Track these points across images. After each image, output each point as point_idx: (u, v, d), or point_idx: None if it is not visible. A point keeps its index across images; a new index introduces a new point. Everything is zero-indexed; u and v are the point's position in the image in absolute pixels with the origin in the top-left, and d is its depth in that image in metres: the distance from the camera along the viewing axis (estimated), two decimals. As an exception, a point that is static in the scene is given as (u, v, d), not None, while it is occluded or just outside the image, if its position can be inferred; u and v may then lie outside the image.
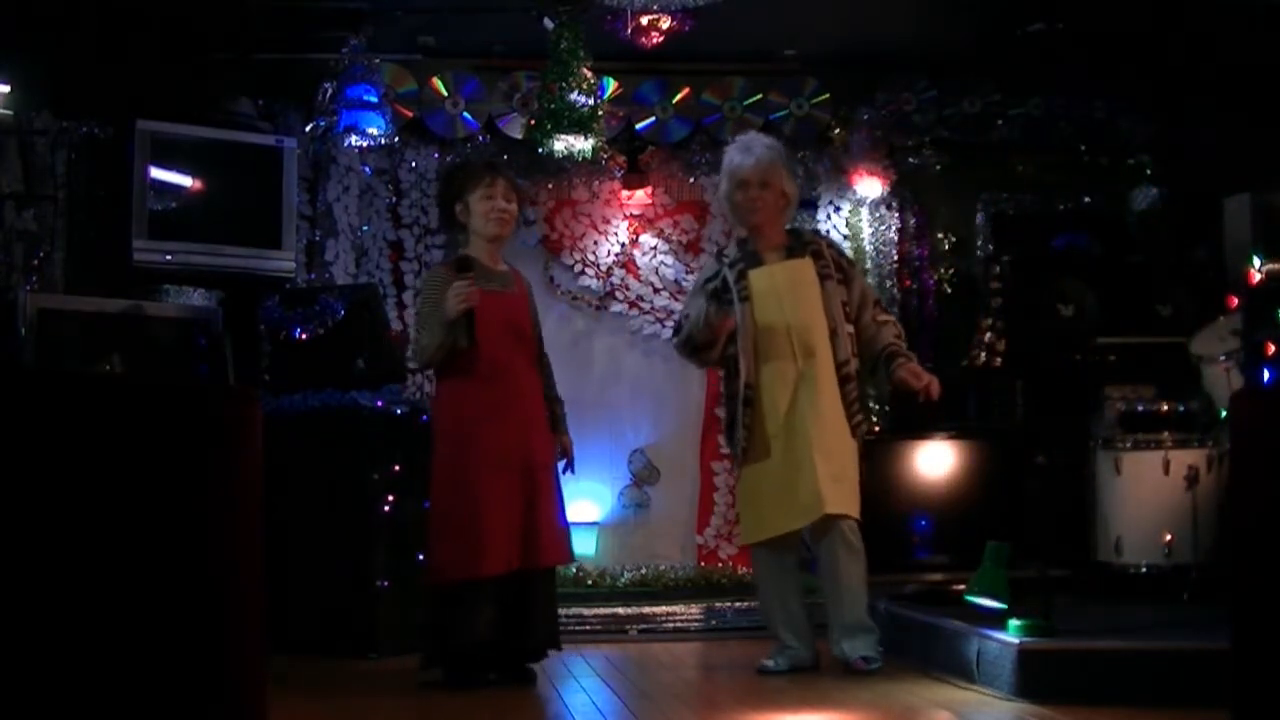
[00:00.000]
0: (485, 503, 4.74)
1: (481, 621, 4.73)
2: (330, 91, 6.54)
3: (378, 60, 6.69)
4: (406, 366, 6.85)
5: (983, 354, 6.81)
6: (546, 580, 4.95)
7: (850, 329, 5.01)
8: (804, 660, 4.99)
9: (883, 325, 5.09)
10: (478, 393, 4.82)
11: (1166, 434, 5.68)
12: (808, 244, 5.10)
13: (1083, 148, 7.49)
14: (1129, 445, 5.72)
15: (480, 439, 4.79)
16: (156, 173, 5.93)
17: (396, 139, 6.85)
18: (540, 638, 4.91)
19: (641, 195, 7.28)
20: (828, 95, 7.31)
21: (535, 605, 4.88)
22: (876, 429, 5.15)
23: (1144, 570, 5.61)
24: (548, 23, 6.31)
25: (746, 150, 5.07)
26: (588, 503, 7.14)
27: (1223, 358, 5.69)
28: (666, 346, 7.33)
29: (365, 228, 6.99)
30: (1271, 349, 5.43)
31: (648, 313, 7.27)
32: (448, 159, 7.07)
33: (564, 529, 4.98)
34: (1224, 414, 5.54)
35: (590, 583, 6.73)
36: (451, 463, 4.82)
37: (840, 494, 4.87)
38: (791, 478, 4.86)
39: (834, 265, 5.05)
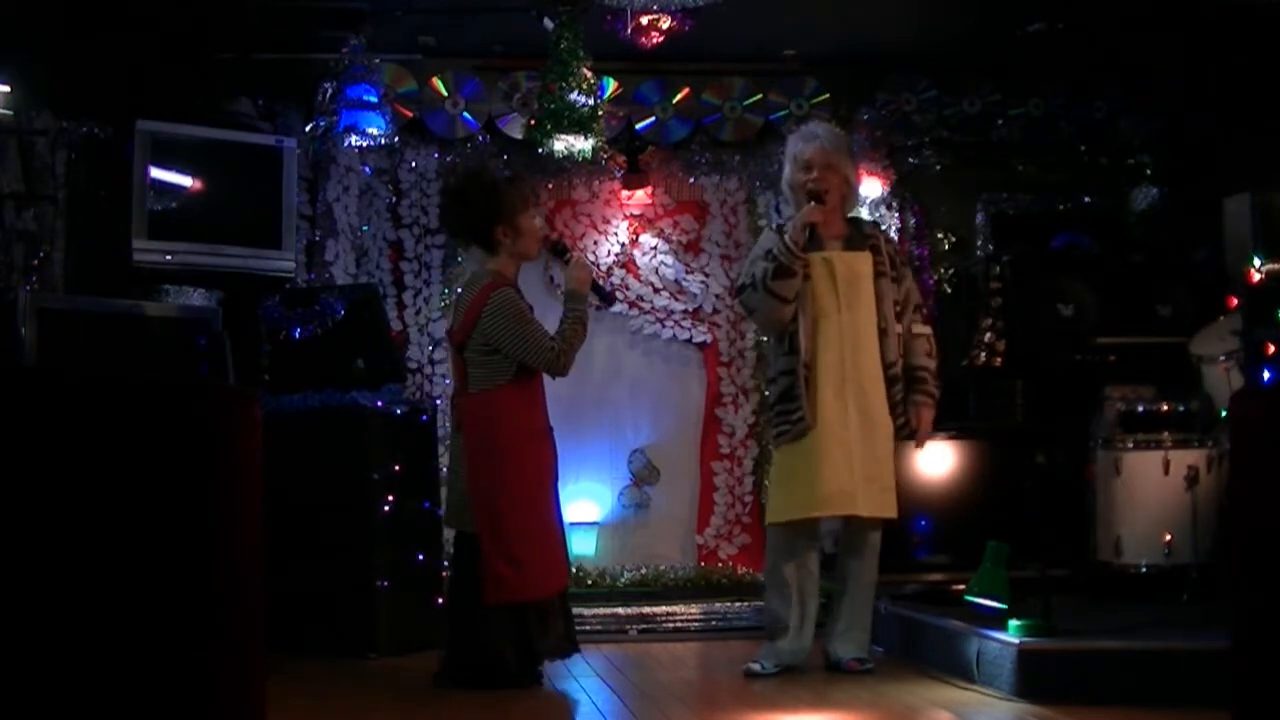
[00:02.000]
0: (553, 516, 4.87)
1: (557, 635, 4.85)
2: (330, 91, 6.53)
3: (378, 60, 6.68)
4: (406, 366, 6.86)
5: (983, 354, 6.80)
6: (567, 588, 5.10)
7: (899, 329, 5.03)
8: (795, 659, 4.99)
9: (917, 339, 5.10)
10: (536, 408, 4.90)
11: (1166, 434, 5.68)
12: (867, 236, 5.11)
13: (1083, 148, 7.48)
14: (1129, 445, 5.72)
15: (543, 453, 4.88)
16: (156, 173, 5.92)
17: (396, 139, 6.85)
18: (575, 641, 5.03)
19: (641, 195, 7.27)
20: (828, 95, 7.31)
21: (569, 610, 5.02)
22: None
23: (1144, 570, 5.61)
24: (548, 23, 6.31)
25: (810, 135, 5.10)
26: (588, 503, 7.14)
27: (1223, 358, 5.69)
28: (667, 346, 7.34)
29: (365, 228, 6.99)
30: (1271, 349, 5.42)
31: (648, 313, 7.26)
32: (448, 159, 7.07)
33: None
34: (1224, 414, 5.54)
35: (590, 583, 6.73)
36: (527, 477, 4.83)
37: (873, 496, 4.91)
38: (827, 469, 4.87)
39: (890, 262, 5.06)
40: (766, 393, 5.27)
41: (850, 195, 5.17)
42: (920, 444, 5.17)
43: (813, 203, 4.93)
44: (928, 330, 5.18)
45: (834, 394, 4.91)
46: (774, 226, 5.25)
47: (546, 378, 4.94)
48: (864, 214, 7.26)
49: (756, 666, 4.96)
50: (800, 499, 4.92)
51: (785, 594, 4.98)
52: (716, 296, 7.25)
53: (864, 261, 5.02)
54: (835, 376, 4.92)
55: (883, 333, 4.98)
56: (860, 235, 5.11)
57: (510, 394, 4.83)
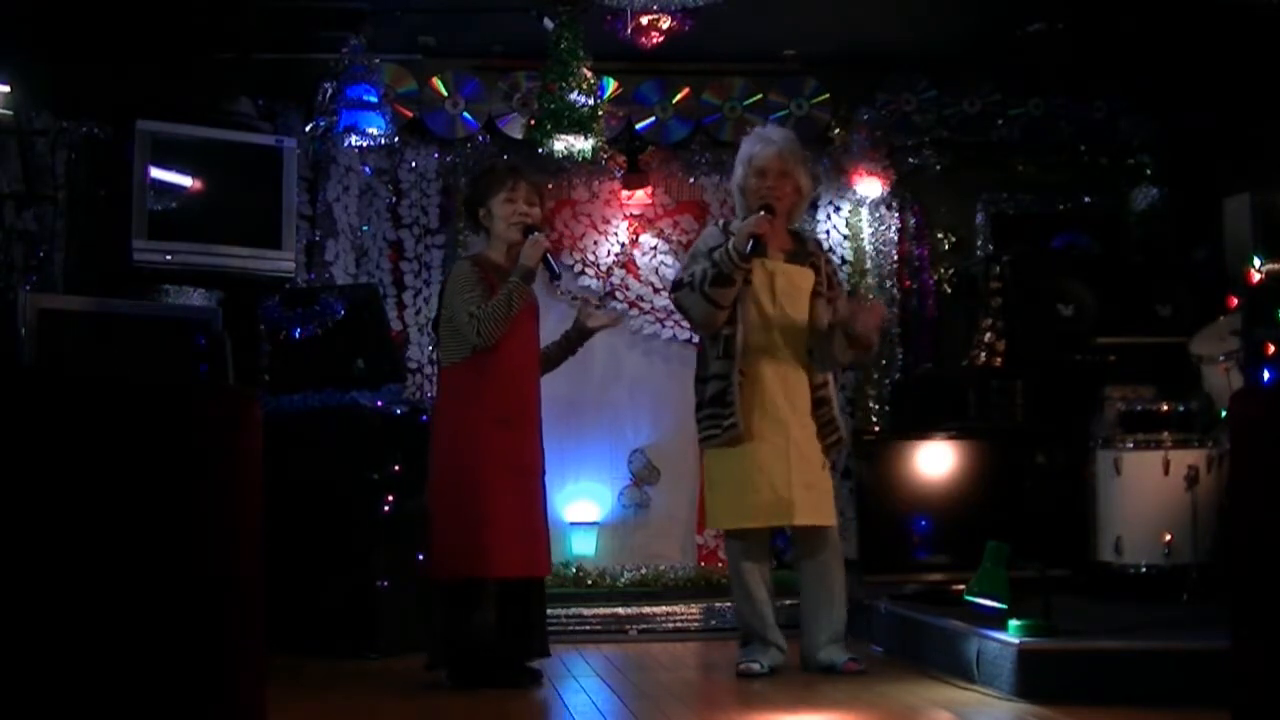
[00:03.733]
0: (497, 504, 4.76)
1: (486, 622, 4.74)
2: (330, 91, 6.54)
3: (378, 60, 6.69)
4: (406, 366, 6.86)
5: (983, 354, 6.81)
6: (541, 588, 4.99)
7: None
8: (782, 660, 5.01)
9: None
10: (497, 395, 4.82)
11: (1166, 434, 5.68)
12: (810, 254, 5.09)
13: (1083, 148, 7.49)
14: (1129, 445, 5.72)
15: (495, 441, 4.80)
16: (156, 173, 5.92)
17: (396, 139, 6.85)
18: (537, 645, 4.94)
19: (641, 195, 7.28)
20: (828, 95, 7.31)
21: (535, 612, 4.92)
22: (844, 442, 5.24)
23: (1144, 570, 5.61)
24: (548, 23, 6.31)
25: (767, 140, 5.05)
26: (588, 503, 7.14)
27: (1223, 358, 5.69)
28: (667, 346, 7.34)
29: (365, 228, 6.99)
30: (1271, 349, 5.43)
31: (648, 313, 7.26)
32: (448, 159, 7.09)
33: (548, 541, 5.01)
34: (1224, 414, 5.54)
35: (590, 583, 6.73)
36: (468, 460, 4.79)
37: (811, 502, 4.89)
38: (763, 478, 4.87)
39: (828, 283, 5.07)
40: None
41: (800, 204, 5.15)
42: (872, 319, 4.96)
43: (762, 212, 4.89)
44: None
45: (769, 402, 4.90)
46: (719, 223, 5.19)
47: (517, 363, 4.89)
48: (864, 214, 7.28)
49: (756, 666, 4.96)
50: (740, 506, 4.92)
51: (753, 597, 5.00)
52: (716, 296, 7.25)
53: (805, 277, 5.01)
54: (772, 385, 4.91)
55: (810, 352, 4.98)
56: (804, 251, 5.09)
57: (464, 373, 4.82)
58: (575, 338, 5.18)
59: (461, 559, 4.76)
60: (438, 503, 4.90)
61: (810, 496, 4.88)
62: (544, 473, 4.98)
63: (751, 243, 4.82)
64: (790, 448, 4.87)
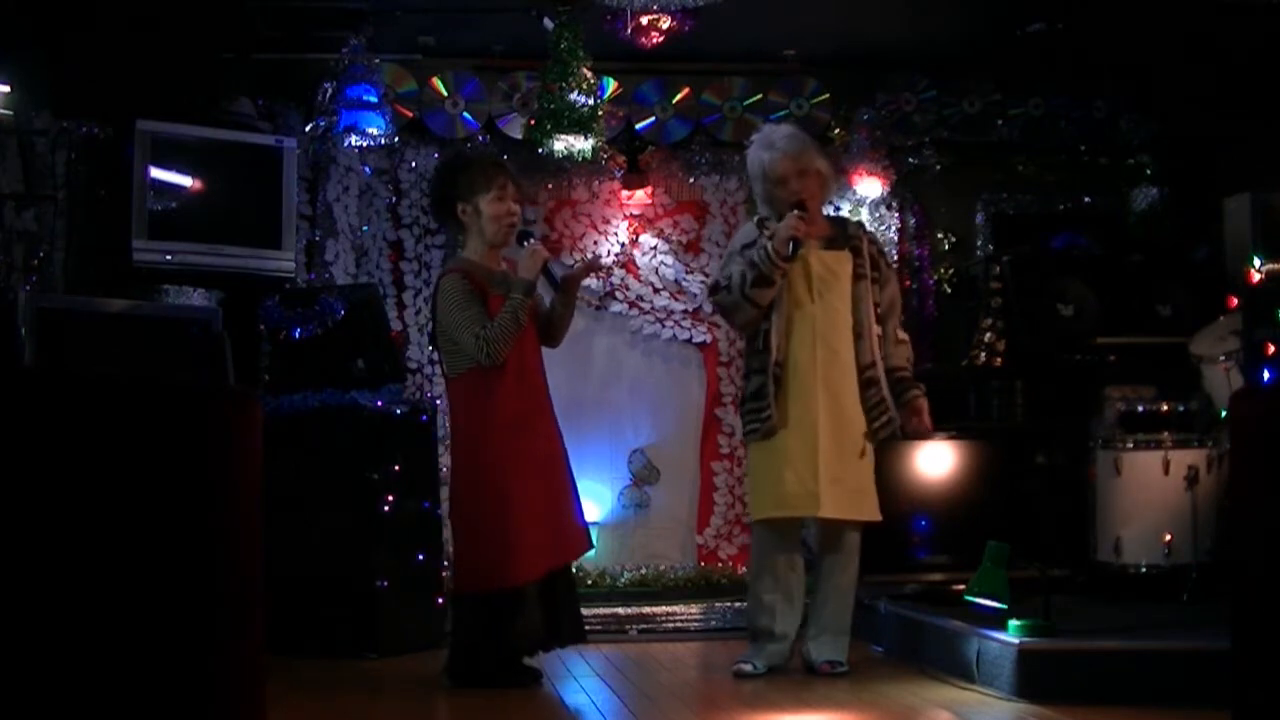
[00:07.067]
0: (522, 508, 4.72)
1: (531, 626, 4.74)
2: (330, 91, 6.54)
3: (378, 60, 6.69)
4: (407, 366, 6.86)
5: (983, 354, 6.81)
6: (567, 574, 4.96)
7: (878, 330, 4.98)
8: (777, 659, 4.98)
9: (898, 345, 5.07)
10: (508, 397, 4.78)
11: (1166, 434, 5.68)
12: (850, 237, 5.05)
13: (1083, 148, 7.49)
14: (1129, 445, 5.72)
15: (513, 444, 4.76)
16: (156, 173, 5.92)
17: (396, 139, 6.85)
18: (569, 632, 4.91)
19: (641, 195, 7.28)
20: (828, 95, 7.31)
21: (565, 599, 4.89)
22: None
23: (1144, 570, 5.61)
24: (548, 23, 6.32)
25: (770, 145, 4.99)
26: (588, 503, 7.11)
27: (1223, 358, 5.69)
28: (667, 346, 7.34)
29: (365, 228, 6.99)
30: (1271, 349, 5.43)
31: (648, 313, 7.26)
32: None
33: (583, 520, 4.96)
34: (1224, 414, 5.54)
35: (590, 583, 6.73)
36: (488, 467, 4.76)
37: (840, 497, 4.87)
38: (790, 470, 4.85)
39: (871, 264, 5.01)
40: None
41: (827, 189, 5.12)
42: (928, 433, 5.11)
43: (795, 211, 4.86)
44: (907, 338, 5.15)
45: (804, 394, 4.87)
46: (756, 220, 5.15)
47: (523, 363, 4.84)
48: (864, 214, 7.28)
49: (748, 667, 4.94)
50: (769, 498, 4.92)
51: (766, 594, 4.97)
52: (716, 296, 7.26)
53: (842, 262, 4.97)
54: (807, 376, 4.88)
55: (858, 335, 4.94)
56: (843, 235, 5.05)
57: (472, 382, 4.78)
58: (558, 294, 5.03)
59: (487, 572, 4.72)
60: (462, 516, 4.85)
61: (838, 492, 4.85)
62: (566, 455, 4.91)
63: (792, 245, 4.81)
64: (821, 440, 4.84)
